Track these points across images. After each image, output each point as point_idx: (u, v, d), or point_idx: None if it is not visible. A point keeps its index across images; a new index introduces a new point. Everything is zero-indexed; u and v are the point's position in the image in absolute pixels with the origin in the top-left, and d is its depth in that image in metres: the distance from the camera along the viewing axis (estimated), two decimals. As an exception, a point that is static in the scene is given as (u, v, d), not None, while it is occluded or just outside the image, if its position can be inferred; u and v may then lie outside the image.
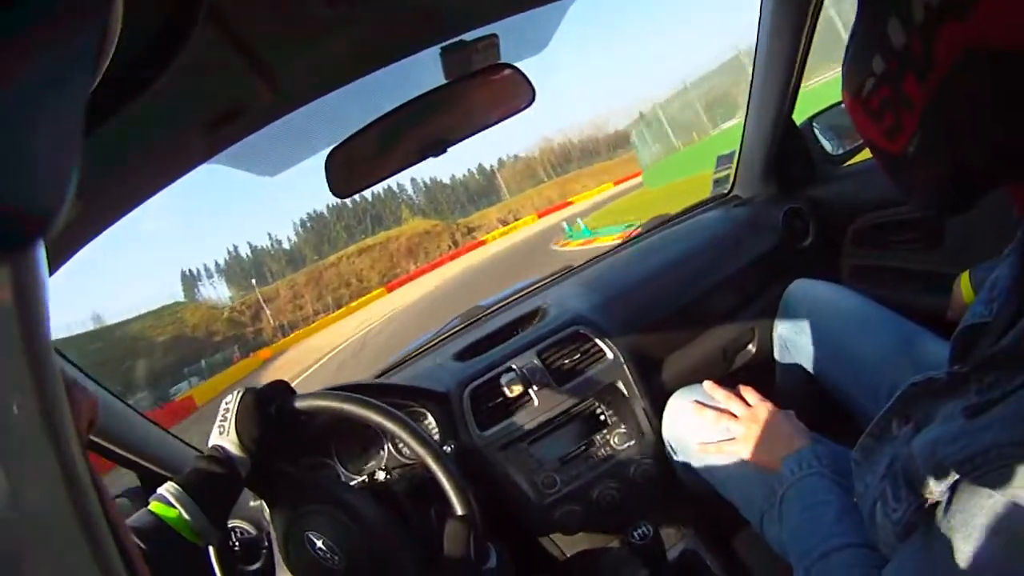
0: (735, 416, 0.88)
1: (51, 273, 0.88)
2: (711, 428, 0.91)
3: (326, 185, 0.94)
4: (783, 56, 1.20)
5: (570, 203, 38.40)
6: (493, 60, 0.96)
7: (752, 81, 1.29)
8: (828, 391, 0.97)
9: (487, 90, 0.91)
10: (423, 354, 1.37)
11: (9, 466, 0.16)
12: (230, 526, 1.09)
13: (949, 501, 0.41)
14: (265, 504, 0.87)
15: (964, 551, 0.39)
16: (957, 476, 0.39)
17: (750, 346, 1.26)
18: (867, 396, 0.89)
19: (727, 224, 1.35)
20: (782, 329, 1.07)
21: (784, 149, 1.35)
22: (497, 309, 1.42)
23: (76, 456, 0.19)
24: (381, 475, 1.10)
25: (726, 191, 1.50)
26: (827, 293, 1.02)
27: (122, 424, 1.08)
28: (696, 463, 0.96)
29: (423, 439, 0.84)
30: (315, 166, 0.97)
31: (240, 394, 0.85)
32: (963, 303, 1.00)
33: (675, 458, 1.04)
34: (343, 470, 1.13)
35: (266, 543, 1.07)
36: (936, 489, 0.41)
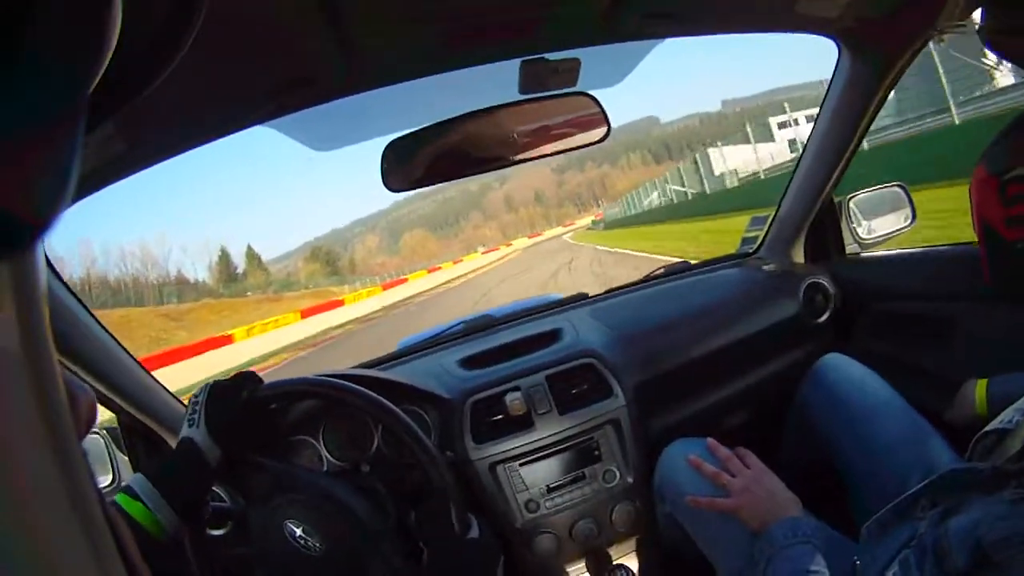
0: (732, 476, 0.90)
1: (81, 198, 0.85)
2: (706, 484, 0.93)
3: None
4: (840, 137, 1.21)
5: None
6: (570, 83, 0.95)
7: (804, 150, 1.31)
8: (834, 463, 1.01)
9: (561, 116, 0.90)
10: (425, 353, 1.36)
11: (7, 467, 0.16)
12: None
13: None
14: (240, 498, 0.86)
15: None
16: (990, 554, 0.42)
17: (746, 411, 1.29)
18: (871, 477, 0.93)
19: (748, 285, 1.36)
20: (807, 395, 1.09)
21: (818, 222, 1.37)
22: (508, 323, 1.42)
23: (76, 456, 0.18)
24: (365, 467, 1.10)
25: (751, 250, 1.52)
26: (859, 373, 1.05)
27: (112, 365, 1.05)
28: (682, 515, 0.98)
29: (394, 415, 0.86)
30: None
31: (209, 386, 0.85)
32: (972, 409, 1.04)
33: (661, 506, 1.06)
34: (327, 454, 1.11)
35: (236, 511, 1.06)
36: (964, 566, 0.44)
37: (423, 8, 0.74)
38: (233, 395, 0.84)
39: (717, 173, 21.64)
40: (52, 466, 0.17)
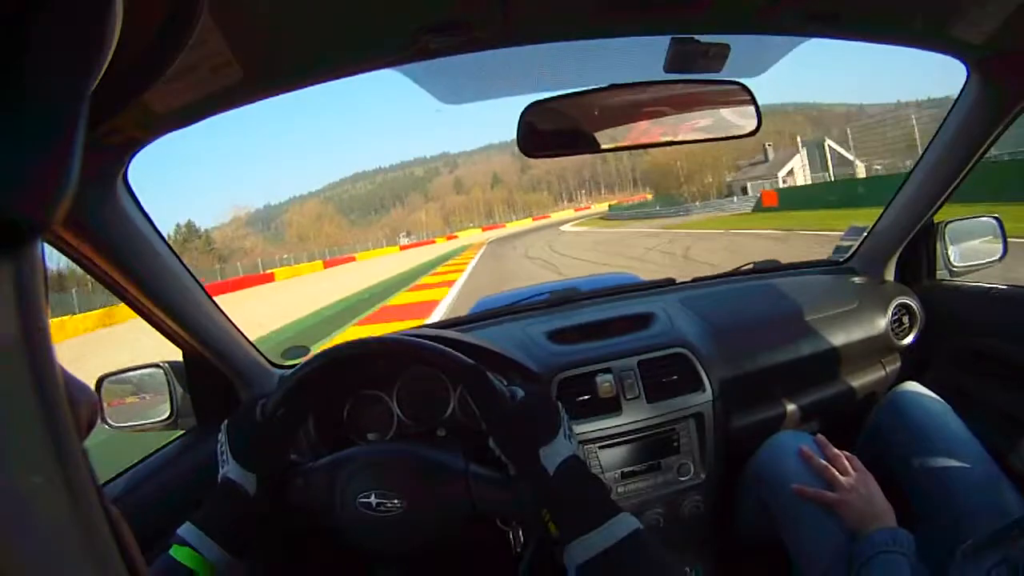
0: (840, 474, 0.94)
1: (183, 126, 0.82)
2: (809, 477, 0.96)
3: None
4: (954, 161, 1.18)
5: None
6: (717, 68, 0.92)
7: (913, 170, 1.27)
8: (905, 491, 1.01)
9: (714, 102, 0.87)
10: (506, 318, 1.34)
11: (8, 468, 0.16)
12: None
13: None
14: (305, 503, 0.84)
15: None
16: None
17: (819, 422, 1.28)
18: (944, 512, 0.95)
19: (839, 295, 1.34)
20: (884, 420, 1.10)
21: (914, 242, 1.35)
22: (594, 299, 1.40)
23: (76, 457, 0.19)
24: (441, 432, 1.09)
25: (842, 259, 1.50)
26: (939, 409, 1.07)
27: (184, 299, 1.01)
28: (777, 502, 1.00)
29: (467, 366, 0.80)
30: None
31: (225, 424, 0.86)
32: None
33: (756, 489, 1.07)
34: (398, 412, 1.11)
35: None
36: None
37: None
38: (247, 418, 0.85)
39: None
40: (52, 466, 0.17)
